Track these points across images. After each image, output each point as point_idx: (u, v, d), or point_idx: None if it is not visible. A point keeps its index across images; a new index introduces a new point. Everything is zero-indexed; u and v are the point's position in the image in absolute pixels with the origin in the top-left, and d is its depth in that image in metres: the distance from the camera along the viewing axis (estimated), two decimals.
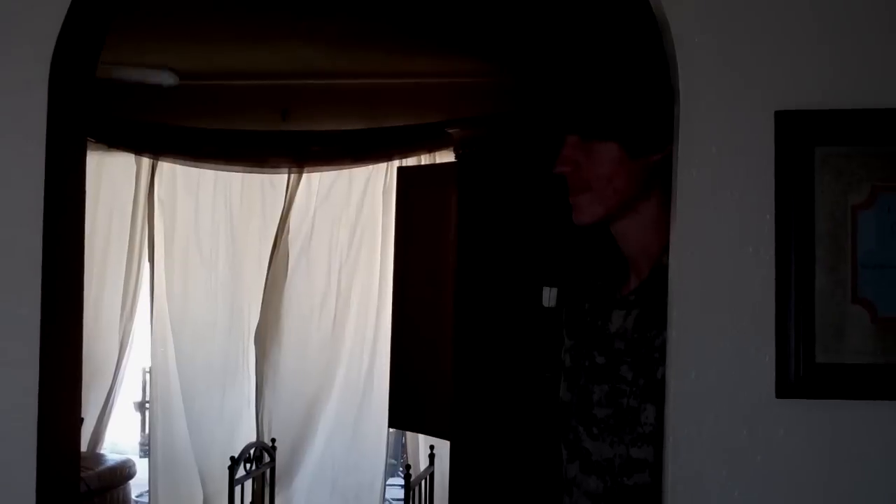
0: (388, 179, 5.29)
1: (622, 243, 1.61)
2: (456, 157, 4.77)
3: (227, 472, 4.46)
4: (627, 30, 1.57)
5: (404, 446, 5.87)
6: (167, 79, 4.89)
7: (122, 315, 5.59)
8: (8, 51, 1.51)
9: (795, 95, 1.35)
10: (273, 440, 5.19)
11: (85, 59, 1.66)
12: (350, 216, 5.39)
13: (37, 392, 1.50)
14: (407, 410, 4.80)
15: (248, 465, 4.63)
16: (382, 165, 5.31)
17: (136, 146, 5.51)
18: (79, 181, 1.69)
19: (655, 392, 1.49)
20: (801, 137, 1.34)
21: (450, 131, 4.83)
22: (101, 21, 1.67)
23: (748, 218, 1.36)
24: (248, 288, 5.45)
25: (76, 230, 1.68)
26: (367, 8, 3.94)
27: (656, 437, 1.48)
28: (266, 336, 5.32)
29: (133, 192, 5.60)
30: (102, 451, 5.60)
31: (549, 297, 3.67)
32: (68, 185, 1.63)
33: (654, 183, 1.53)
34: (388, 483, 5.49)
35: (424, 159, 5.26)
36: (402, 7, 3.92)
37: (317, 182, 5.43)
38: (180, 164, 5.54)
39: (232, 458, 4.46)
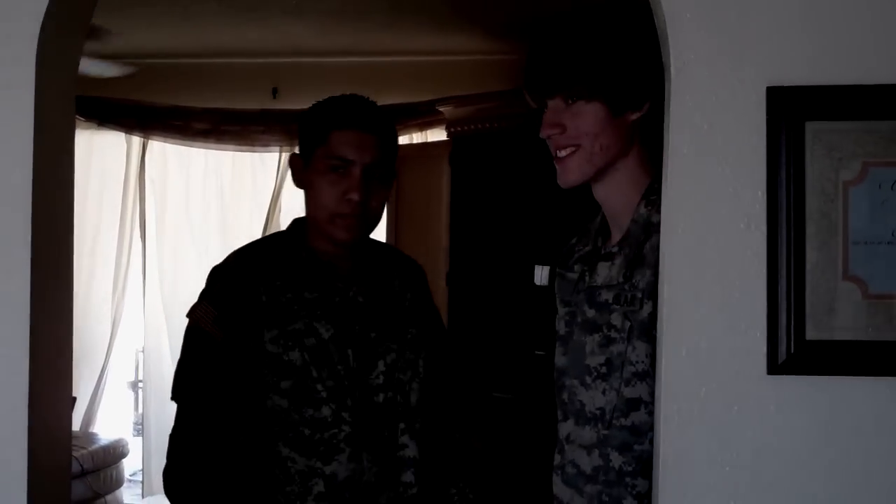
0: None
1: (604, 202, 1.65)
2: (448, 135, 4.76)
3: None
4: None
5: None
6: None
7: (113, 294, 5.58)
8: None
9: (787, 71, 1.35)
10: None
11: (72, 35, 1.65)
12: None
13: (27, 371, 1.49)
14: None
15: None
16: None
17: (127, 125, 5.49)
18: (67, 159, 1.68)
19: (643, 330, 1.52)
20: (792, 113, 1.34)
21: (441, 109, 4.82)
22: (85, 4, 1.66)
23: (739, 194, 1.36)
24: None
25: (65, 209, 1.67)
26: None
27: (650, 375, 1.51)
28: None
29: (124, 170, 5.58)
30: (95, 431, 5.61)
31: (540, 275, 3.67)
32: (56, 164, 1.62)
33: (634, 140, 1.59)
34: None
35: (416, 137, 5.25)
36: None
37: None
38: (171, 142, 5.52)
39: None
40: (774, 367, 1.34)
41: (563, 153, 1.60)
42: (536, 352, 1.96)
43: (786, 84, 1.34)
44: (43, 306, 1.54)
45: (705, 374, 1.36)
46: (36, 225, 1.51)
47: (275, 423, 1.83)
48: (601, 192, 1.64)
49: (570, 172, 1.60)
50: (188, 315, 1.89)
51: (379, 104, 1.94)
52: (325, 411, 1.83)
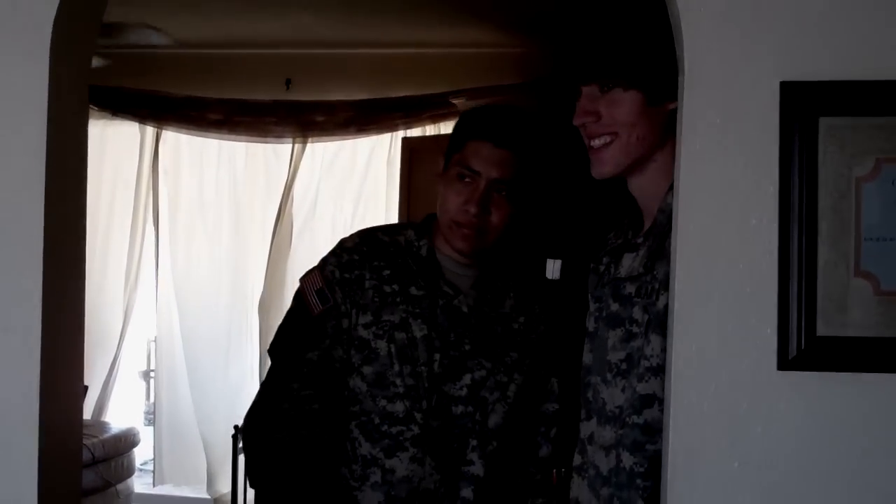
0: (391, 149, 5.28)
1: (639, 194, 1.62)
2: None
3: (230, 440, 4.48)
4: None
5: None
6: (156, 40, 4.83)
7: (126, 284, 5.60)
8: (9, 20, 1.50)
9: (801, 66, 1.34)
10: None
11: (86, 27, 1.65)
12: (354, 186, 5.37)
13: (39, 359, 1.50)
14: None
15: None
16: (386, 135, 5.29)
17: (141, 115, 5.49)
18: (80, 150, 1.69)
19: (658, 322, 1.49)
20: (805, 108, 1.33)
21: (454, 101, 4.81)
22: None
23: (751, 189, 1.35)
24: (251, 258, 5.45)
25: (78, 199, 1.68)
26: None
27: (664, 370, 1.48)
28: (270, 306, 5.32)
29: (137, 160, 5.59)
30: (107, 420, 5.63)
31: (552, 269, 3.66)
32: (70, 155, 1.62)
33: (670, 130, 1.53)
34: None
35: (429, 129, 5.24)
36: None
37: (321, 152, 5.41)
38: (184, 132, 5.52)
39: (236, 427, 4.48)
40: (785, 363, 1.34)
41: (597, 142, 1.56)
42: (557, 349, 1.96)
43: (799, 79, 1.34)
44: (55, 296, 1.55)
45: (716, 370, 1.36)
46: (49, 215, 1.51)
47: (353, 403, 1.88)
48: (636, 184, 1.60)
49: (605, 163, 1.56)
50: (300, 279, 1.95)
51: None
52: (399, 406, 1.86)
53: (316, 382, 1.88)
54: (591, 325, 1.68)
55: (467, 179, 1.86)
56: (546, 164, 1.91)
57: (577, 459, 1.67)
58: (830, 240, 1.33)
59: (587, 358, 1.67)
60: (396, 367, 1.86)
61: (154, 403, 5.88)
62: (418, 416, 1.86)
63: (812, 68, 1.34)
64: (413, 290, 1.90)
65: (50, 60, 1.50)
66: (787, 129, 1.34)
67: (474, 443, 1.89)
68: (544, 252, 3.88)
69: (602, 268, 1.69)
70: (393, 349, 1.86)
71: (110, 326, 5.57)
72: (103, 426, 5.42)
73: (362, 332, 1.88)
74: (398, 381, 1.86)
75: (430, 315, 1.89)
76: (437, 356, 1.87)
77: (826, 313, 1.34)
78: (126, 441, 5.40)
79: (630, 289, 1.57)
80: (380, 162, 5.34)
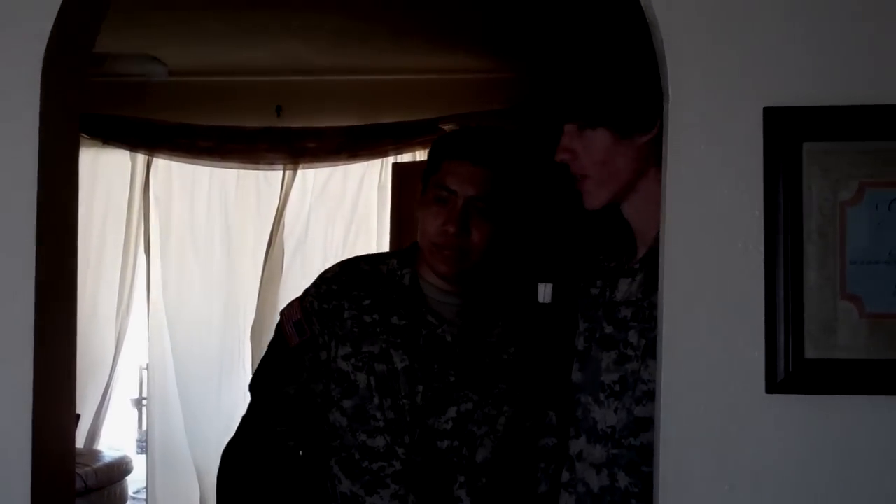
0: (382, 175, 5.29)
1: (631, 219, 1.65)
2: None
3: None
4: (612, 16, 1.59)
5: None
6: (157, 71, 4.87)
7: (118, 311, 5.59)
8: (0, 50, 1.51)
9: (784, 92, 1.36)
10: None
11: (76, 57, 1.66)
12: (345, 212, 5.39)
13: (31, 387, 1.50)
14: None
15: None
16: (377, 161, 5.32)
17: (131, 142, 5.51)
18: (72, 179, 1.69)
19: (656, 348, 1.50)
20: (789, 133, 1.35)
21: (444, 127, 4.84)
22: (93, 19, 1.67)
23: (737, 214, 1.37)
24: (243, 284, 5.45)
25: (69, 227, 1.69)
26: (362, 5, 3.94)
27: None
28: (262, 332, 5.31)
29: (128, 188, 5.59)
30: (99, 448, 5.61)
31: (544, 293, 3.67)
32: (61, 183, 1.63)
33: (650, 160, 1.56)
34: None
35: (419, 155, 5.26)
36: (399, 4, 3.92)
37: (312, 178, 5.43)
38: (175, 160, 5.53)
39: None
40: (773, 386, 1.35)
41: (579, 178, 1.61)
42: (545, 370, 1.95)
43: (783, 105, 1.35)
44: (47, 324, 1.55)
45: (705, 394, 1.37)
46: (40, 244, 1.52)
47: (333, 438, 1.84)
48: (626, 211, 1.64)
49: (590, 198, 1.61)
50: (281, 311, 1.93)
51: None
52: (379, 441, 1.80)
53: (292, 418, 1.84)
54: (580, 344, 1.71)
55: (445, 200, 1.81)
56: (525, 180, 1.88)
57: (564, 476, 1.69)
58: (816, 263, 1.35)
59: (576, 377, 1.69)
60: (376, 400, 1.80)
61: (146, 431, 5.86)
62: (400, 451, 1.79)
63: (795, 94, 1.36)
64: (394, 320, 1.85)
65: (41, 93, 1.51)
66: (771, 154, 1.35)
67: (462, 479, 1.82)
68: (534, 276, 3.88)
69: (595, 290, 1.71)
70: (372, 381, 1.80)
71: (102, 354, 5.56)
72: (96, 454, 5.40)
73: (341, 364, 1.83)
74: (378, 415, 1.80)
75: (413, 345, 1.83)
76: (420, 388, 1.81)
77: (813, 336, 1.35)
78: (119, 469, 5.37)
79: (625, 313, 1.60)
80: (371, 187, 5.36)
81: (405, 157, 5.24)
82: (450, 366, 1.84)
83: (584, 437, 1.63)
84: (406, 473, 1.80)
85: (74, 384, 1.76)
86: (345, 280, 1.88)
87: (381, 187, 5.30)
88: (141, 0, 3.68)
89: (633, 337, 1.57)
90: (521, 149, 1.91)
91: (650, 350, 1.52)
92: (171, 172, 5.59)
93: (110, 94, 4.91)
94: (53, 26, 1.51)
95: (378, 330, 1.84)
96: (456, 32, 4.39)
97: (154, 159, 5.58)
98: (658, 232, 1.56)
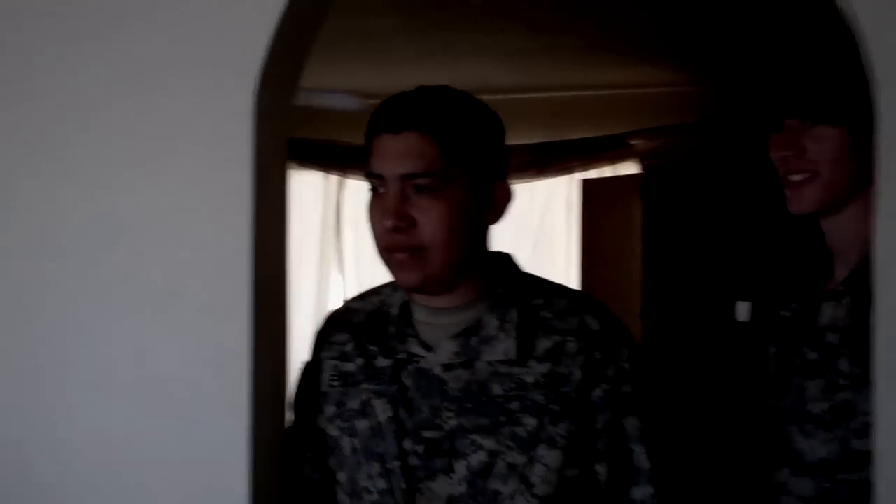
0: (569, 192, 5.27)
1: (832, 236, 1.56)
2: (641, 168, 4.71)
3: None
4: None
5: None
6: (352, 103, 5.02)
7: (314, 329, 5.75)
8: (217, 84, 1.60)
9: None
10: None
11: (285, 88, 1.73)
12: (532, 229, 5.39)
13: (250, 412, 1.55)
14: None
15: None
16: (564, 178, 5.30)
17: (325, 164, 5.70)
18: (282, 204, 1.76)
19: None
20: None
21: (633, 142, 4.78)
22: (300, 54, 1.74)
23: None
24: None
25: (281, 247, 1.75)
26: (549, 22, 3.94)
27: None
28: None
29: (322, 209, 5.77)
30: None
31: (742, 311, 3.56)
32: (274, 211, 1.70)
33: (871, 173, 1.46)
34: None
35: (606, 171, 5.21)
36: (586, 20, 3.90)
37: None
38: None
39: None
40: None
41: (797, 178, 1.52)
42: (740, 390, 1.87)
43: None
44: (262, 345, 1.61)
45: None
46: (257, 267, 1.58)
47: None
48: (832, 223, 1.55)
49: (805, 200, 1.52)
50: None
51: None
52: None
53: (318, 449, 1.53)
54: (774, 368, 1.62)
55: (377, 189, 1.43)
56: (481, 133, 1.47)
57: None
58: None
59: (774, 404, 1.61)
60: (364, 469, 1.42)
61: None
62: None
63: None
64: (379, 362, 1.44)
65: (254, 122, 1.58)
66: None
67: None
68: (731, 293, 3.77)
69: (788, 313, 1.63)
70: (357, 444, 1.43)
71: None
72: None
73: (331, 430, 1.48)
74: (370, 486, 1.42)
75: (396, 389, 1.42)
76: (409, 443, 1.39)
77: None
78: None
79: (832, 338, 1.51)
80: (557, 204, 5.34)
81: (592, 173, 5.20)
82: (444, 406, 1.39)
83: (789, 470, 1.55)
84: None
85: (285, 397, 1.82)
86: (324, 328, 1.57)
87: (567, 204, 5.28)
88: (338, 31, 3.80)
89: (843, 365, 1.48)
90: (463, 98, 1.49)
91: (866, 379, 1.43)
92: (363, 193, 5.73)
93: (304, 118, 5.09)
94: (263, 65, 1.57)
95: (361, 378, 1.45)
96: (643, 46, 4.33)
97: (347, 180, 5.74)
98: (861, 253, 1.49)
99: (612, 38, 4.22)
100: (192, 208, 1.59)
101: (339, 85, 5.01)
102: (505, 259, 1.54)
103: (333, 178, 5.77)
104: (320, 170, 5.74)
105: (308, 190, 5.80)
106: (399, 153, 1.38)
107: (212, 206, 1.59)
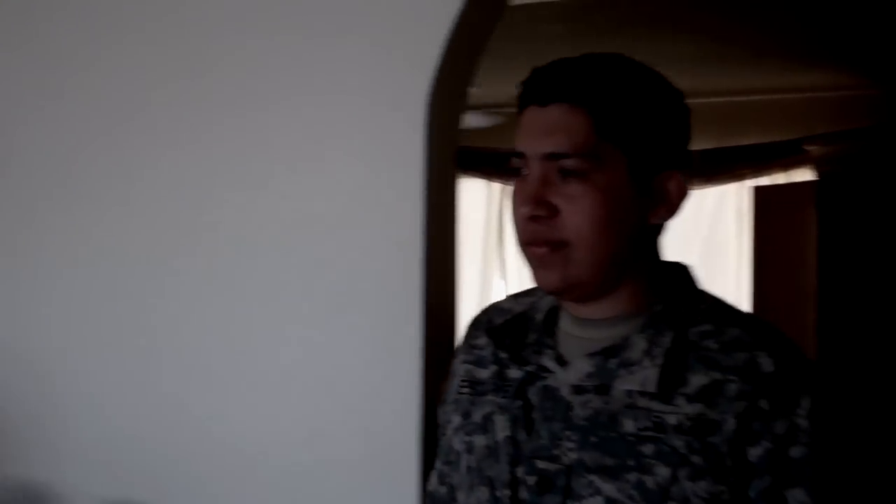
0: (739, 200, 5.12)
1: None
2: (817, 175, 4.53)
3: None
4: None
5: None
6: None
7: None
8: (391, 95, 1.63)
9: None
10: None
11: (457, 97, 1.75)
12: (701, 236, 5.27)
13: (420, 414, 1.58)
14: None
15: None
16: (734, 185, 5.16)
17: (487, 172, 5.74)
18: (452, 211, 1.78)
19: None
20: None
21: (808, 148, 4.60)
22: (470, 63, 1.76)
23: None
24: None
25: (451, 257, 1.77)
26: (720, 27, 3.85)
27: None
28: None
29: (485, 214, 5.82)
30: None
31: None
32: (444, 216, 1.72)
33: None
34: None
35: (778, 178, 5.05)
36: (756, 24, 3.79)
37: None
38: None
39: None
40: None
41: None
42: None
43: None
44: (432, 348, 1.63)
45: None
46: (427, 272, 1.61)
47: None
48: None
49: None
50: None
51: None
52: None
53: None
54: None
55: (519, 171, 1.19)
56: (651, 108, 1.19)
57: None
58: None
59: None
60: (475, 493, 1.22)
61: None
62: None
63: None
64: (511, 372, 1.23)
65: (426, 132, 1.61)
66: None
67: None
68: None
69: None
70: (472, 463, 1.23)
71: None
72: None
73: (454, 441, 1.28)
74: None
75: (520, 406, 1.20)
76: (521, 471, 1.17)
77: None
78: None
79: None
80: (727, 211, 5.20)
81: (763, 180, 5.04)
82: (565, 435, 1.15)
83: None
84: None
85: None
86: (469, 330, 1.37)
87: (737, 211, 5.13)
88: (506, 40, 3.81)
89: None
90: (637, 66, 1.22)
91: None
92: None
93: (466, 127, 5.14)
94: (437, 71, 1.60)
95: (490, 388, 1.25)
96: (815, 49, 4.17)
97: (509, 187, 5.76)
98: None
99: (782, 42, 4.09)
100: (367, 215, 1.64)
101: (507, 93, 5.03)
102: (680, 271, 1.27)
103: (496, 185, 5.81)
104: (483, 177, 5.79)
105: (471, 197, 5.86)
106: (543, 129, 1.16)
107: (385, 212, 1.63)
